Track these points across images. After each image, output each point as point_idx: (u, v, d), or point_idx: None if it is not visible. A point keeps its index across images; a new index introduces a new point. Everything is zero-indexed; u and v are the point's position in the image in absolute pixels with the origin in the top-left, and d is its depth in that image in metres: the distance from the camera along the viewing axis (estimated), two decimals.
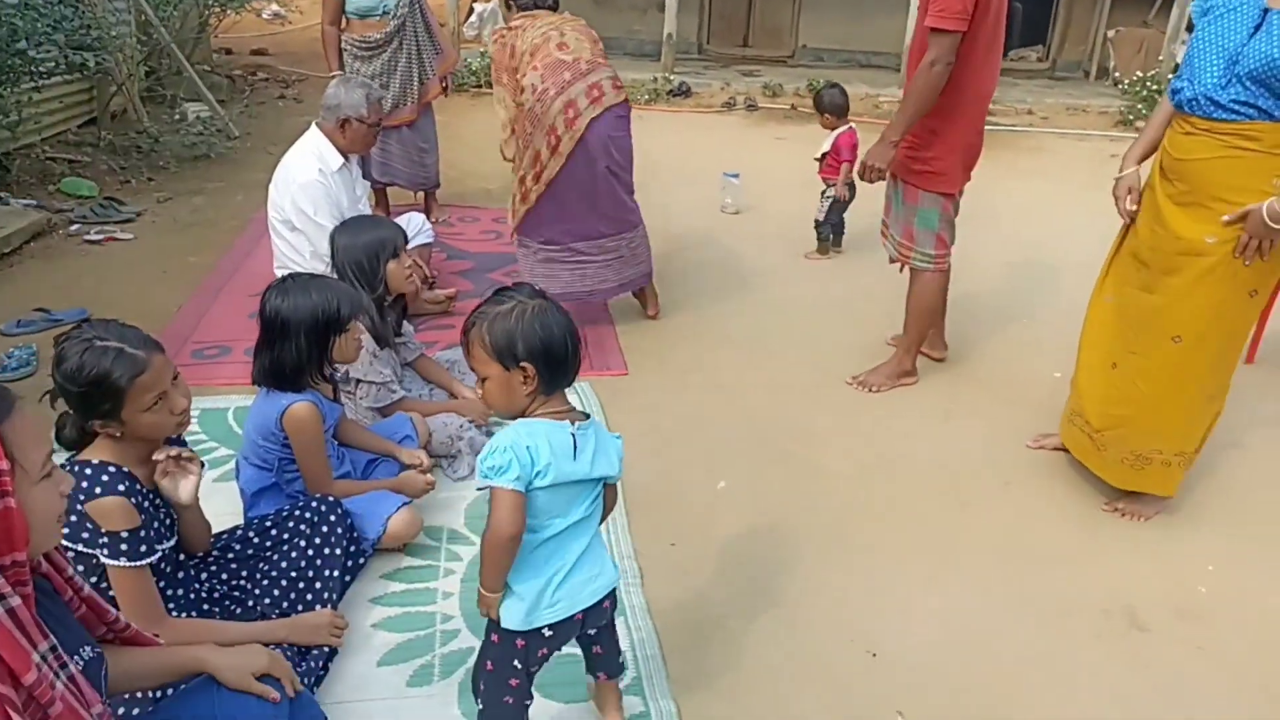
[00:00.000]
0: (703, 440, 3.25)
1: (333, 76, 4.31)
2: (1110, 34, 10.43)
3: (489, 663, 1.82)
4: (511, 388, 1.67)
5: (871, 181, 3.38)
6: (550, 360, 1.66)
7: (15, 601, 1.21)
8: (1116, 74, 9.94)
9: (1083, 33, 10.94)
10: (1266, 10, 2.41)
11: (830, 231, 5.19)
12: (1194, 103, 2.54)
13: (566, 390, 1.76)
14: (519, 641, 1.77)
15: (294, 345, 2.38)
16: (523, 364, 1.64)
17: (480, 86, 8.95)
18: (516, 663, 1.79)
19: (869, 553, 2.72)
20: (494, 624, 1.79)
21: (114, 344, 1.83)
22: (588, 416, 1.77)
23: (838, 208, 5.14)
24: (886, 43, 10.34)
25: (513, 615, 1.75)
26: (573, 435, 1.69)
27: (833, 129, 5.08)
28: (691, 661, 2.26)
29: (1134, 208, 2.79)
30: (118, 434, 1.89)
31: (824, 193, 5.15)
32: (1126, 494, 2.96)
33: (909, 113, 3.17)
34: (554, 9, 3.89)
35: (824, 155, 5.12)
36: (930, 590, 2.58)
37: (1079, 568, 2.71)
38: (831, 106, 5.06)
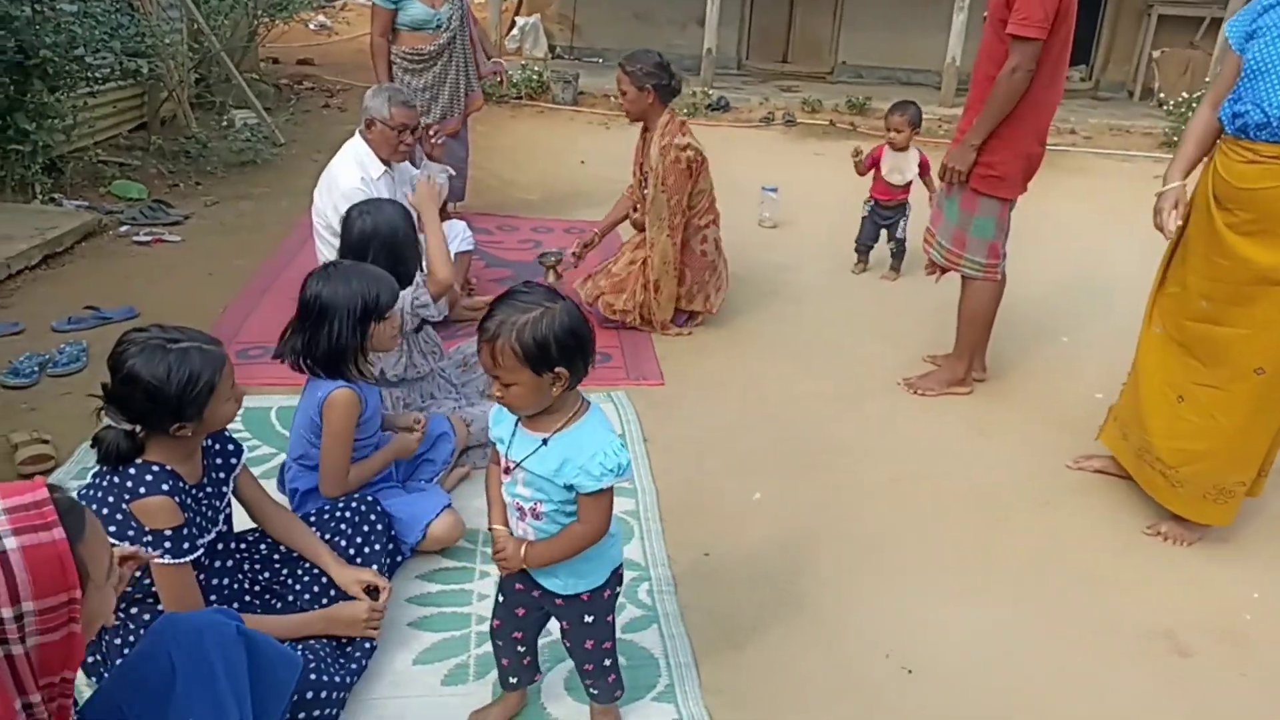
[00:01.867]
0: (738, 451, 3.25)
1: None
2: (1155, 54, 10.33)
3: (610, 616, 1.93)
4: (542, 390, 1.68)
5: (952, 183, 3.45)
6: (583, 361, 1.70)
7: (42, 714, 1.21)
8: (1161, 95, 9.84)
9: (1127, 53, 10.84)
10: None
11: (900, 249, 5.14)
12: (1263, 127, 2.49)
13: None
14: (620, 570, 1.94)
15: (331, 330, 2.37)
16: (557, 369, 1.66)
17: (520, 99, 9.05)
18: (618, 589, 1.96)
19: (904, 567, 2.71)
20: (603, 585, 1.88)
21: (189, 344, 1.85)
22: None
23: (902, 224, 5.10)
24: (927, 60, 10.32)
25: (617, 553, 1.92)
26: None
27: (904, 148, 4.93)
28: (724, 670, 2.26)
29: (1179, 223, 2.74)
30: (191, 433, 1.91)
31: (898, 210, 5.08)
32: (1171, 517, 2.92)
33: (990, 117, 3.25)
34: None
35: (908, 183, 4.99)
36: (966, 606, 2.56)
37: (1118, 589, 2.68)
38: (918, 119, 5.01)
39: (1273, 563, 2.84)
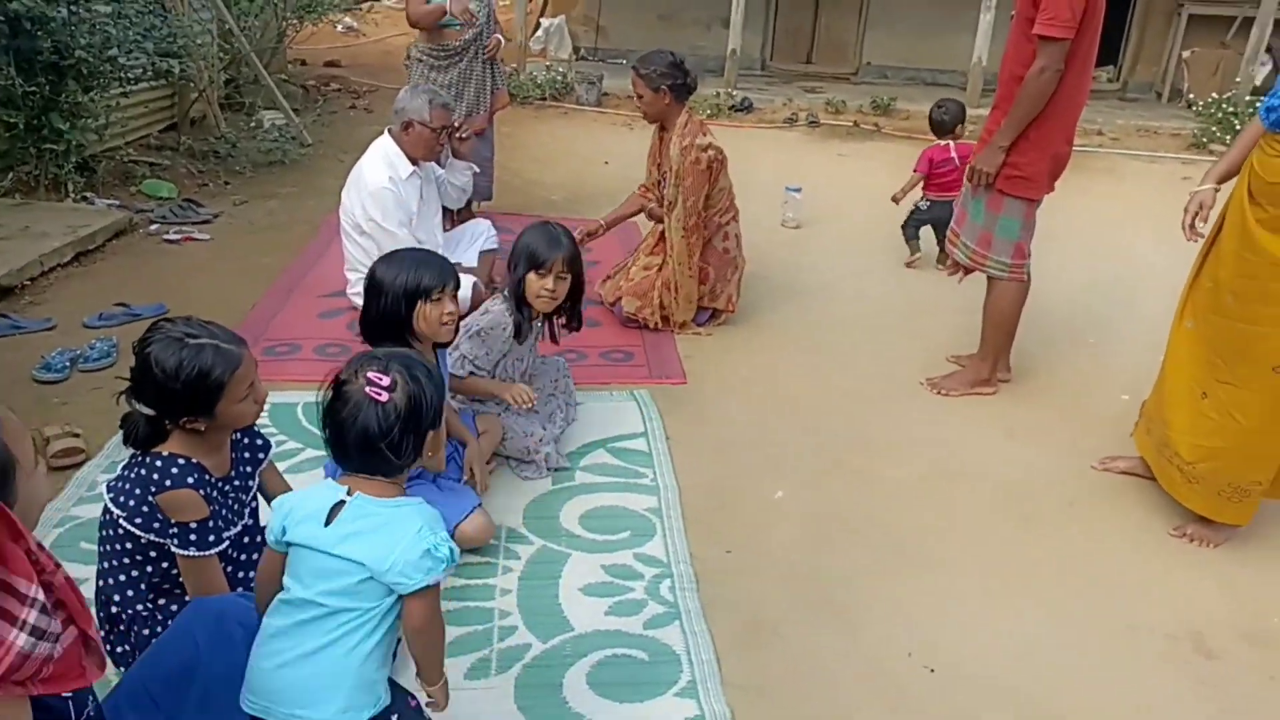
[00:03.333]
0: (760, 449, 3.25)
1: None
2: (1185, 55, 10.21)
3: None
4: None
5: (978, 185, 3.42)
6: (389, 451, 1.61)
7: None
8: (1190, 95, 9.72)
9: (1156, 53, 10.72)
10: None
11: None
12: None
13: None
14: None
15: (378, 305, 2.50)
16: None
17: (544, 100, 9.09)
18: None
19: (928, 566, 2.70)
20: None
21: (207, 340, 1.87)
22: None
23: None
24: (952, 61, 10.25)
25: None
26: (343, 501, 1.62)
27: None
28: (746, 666, 2.26)
29: (1202, 225, 2.73)
30: (203, 428, 1.94)
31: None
32: (1196, 519, 2.89)
33: (1018, 118, 3.23)
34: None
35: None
36: (990, 606, 2.55)
37: (1144, 591, 2.65)
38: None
39: None
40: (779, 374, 3.84)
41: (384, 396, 1.61)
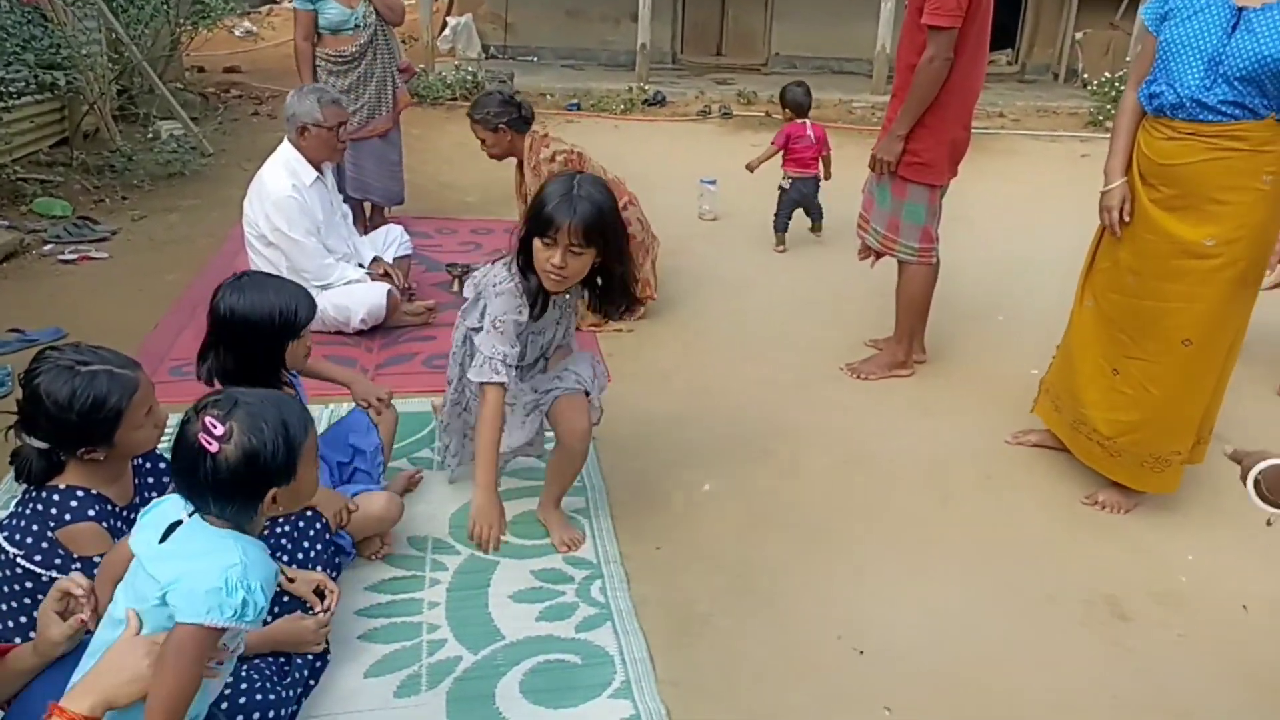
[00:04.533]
0: (686, 442, 3.26)
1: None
2: (1078, 36, 10.58)
3: None
4: None
5: (880, 173, 3.48)
6: None
7: None
8: (1085, 75, 10.08)
9: (1050, 36, 11.09)
10: (1240, 10, 2.45)
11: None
12: (1178, 107, 2.56)
13: None
14: None
15: (246, 346, 2.30)
16: None
17: (455, 99, 8.96)
18: None
19: (854, 548, 2.74)
20: None
21: (100, 366, 1.79)
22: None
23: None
24: (858, 49, 10.44)
25: None
26: (181, 521, 1.55)
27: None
28: (679, 662, 2.26)
29: (1128, 220, 2.76)
30: (102, 457, 1.85)
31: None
32: (1108, 485, 2.99)
33: (912, 107, 3.29)
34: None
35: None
36: (915, 584, 2.60)
37: (1060, 559, 2.74)
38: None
39: (1205, 525, 2.93)
40: (700, 366, 3.86)
41: (214, 447, 1.47)
